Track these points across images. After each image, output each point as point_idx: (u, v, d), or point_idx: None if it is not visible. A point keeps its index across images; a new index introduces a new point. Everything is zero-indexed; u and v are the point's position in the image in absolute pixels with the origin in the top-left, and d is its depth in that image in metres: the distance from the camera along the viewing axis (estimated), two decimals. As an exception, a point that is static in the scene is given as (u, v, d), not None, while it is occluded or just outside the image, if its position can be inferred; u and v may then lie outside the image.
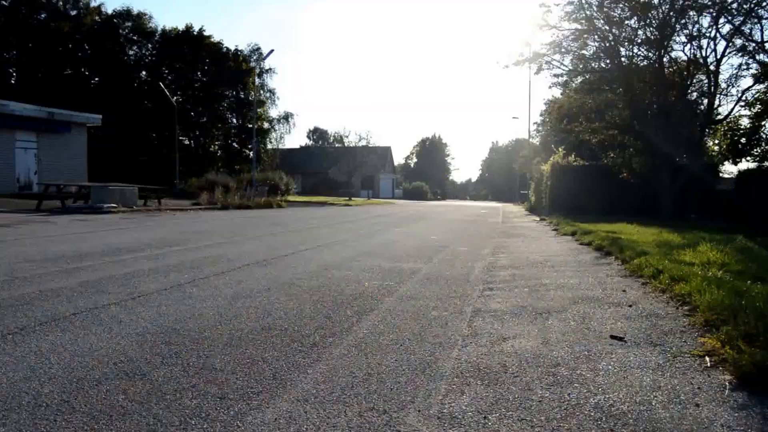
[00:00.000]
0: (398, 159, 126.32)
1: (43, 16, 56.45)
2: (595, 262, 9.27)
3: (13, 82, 54.24)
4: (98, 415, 3.03)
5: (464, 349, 4.30)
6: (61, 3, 58.28)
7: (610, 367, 3.88)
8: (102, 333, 4.44)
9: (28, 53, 54.38)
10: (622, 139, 23.71)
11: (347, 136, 71.56)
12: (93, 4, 60.50)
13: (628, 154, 23.84)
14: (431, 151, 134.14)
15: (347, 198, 58.85)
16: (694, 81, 22.67)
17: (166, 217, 20.19)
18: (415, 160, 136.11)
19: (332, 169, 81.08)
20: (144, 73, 62.10)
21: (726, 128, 27.20)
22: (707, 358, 4.00)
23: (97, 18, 59.88)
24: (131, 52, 62.08)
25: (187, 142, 63.27)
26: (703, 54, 22.47)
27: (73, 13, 59.09)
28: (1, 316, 4.85)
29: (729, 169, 29.32)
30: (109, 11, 61.89)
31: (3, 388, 3.31)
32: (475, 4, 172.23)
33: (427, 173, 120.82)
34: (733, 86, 36.27)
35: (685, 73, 22.04)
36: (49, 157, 32.52)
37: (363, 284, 6.95)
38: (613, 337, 4.58)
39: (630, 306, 5.70)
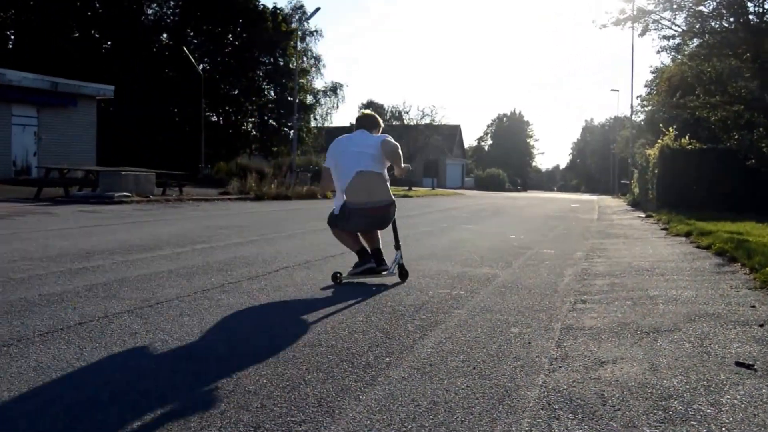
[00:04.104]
0: (469, 140, 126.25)
1: (46, -32, 57.61)
2: (716, 269, 9.09)
3: (10, 46, 55.34)
4: (108, 445, 3.06)
5: (552, 374, 4.24)
6: (67, -48, 59.41)
7: (736, 401, 3.78)
8: (113, 347, 4.50)
9: (29, 12, 55.36)
10: (749, 116, 23.23)
11: (407, 112, 71.67)
12: (104, -48, 61.57)
13: (756, 135, 23.32)
14: (510, 131, 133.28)
15: (406, 187, 58.85)
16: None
17: (188, 208, 20.48)
18: (489, 141, 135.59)
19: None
20: (165, 36, 62.73)
21: None
22: None
23: (109, -31, 60.90)
24: (150, 11, 62.80)
25: (215, 118, 63.90)
26: None
27: (82, -37, 60.19)
28: (-6, 325, 4.96)
29: None
30: (124, -39, 62.94)
31: (-4, 411, 3.36)
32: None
33: (504, 158, 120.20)
34: None
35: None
36: (51, 136, 33.12)
37: (426, 293, 6.93)
38: (739, 364, 4.48)
39: (761, 326, 5.57)
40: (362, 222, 7.69)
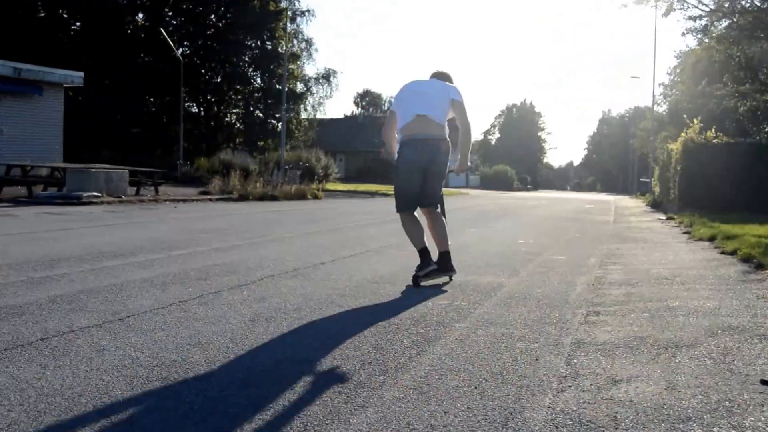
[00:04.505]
0: (474, 134, 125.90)
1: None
2: (742, 278, 9.11)
3: (-33, 28, 55.22)
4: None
5: (561, 394, 4.26)
6: None
7: (760, 423, 3.80)
8: (79, 365, 4.50)
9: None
10: (784, 106, 23.21)
11: (408, 102, 71.22)
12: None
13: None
14: (519, 123, 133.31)
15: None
16: None
17: (165, 210, 20.48)
18: (497, 135, 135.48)
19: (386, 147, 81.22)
20: (141, 16, 62.55)
21: None
22: None
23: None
24: (124, -12, 62.74)
25: (195, 109, 63.88)
26: None
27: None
28: (-51, 340, 4.96)
29: None
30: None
31: (-49, 436, 3.37)
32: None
33: (512, 153, 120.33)
34: None
35: None
36: (12, 129, 32.84)
37: (425, 304, 6.95)
38: (765, 382, 4.50)
39: (790, 340, 5.59)
40: (415, 168, 8.19)
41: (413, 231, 8.34)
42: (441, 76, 8.72)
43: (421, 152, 8.12)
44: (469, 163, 8.72)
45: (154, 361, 4.63)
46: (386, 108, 78.36)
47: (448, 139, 8.27)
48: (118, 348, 4.91)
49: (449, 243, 8.41)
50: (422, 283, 8.01)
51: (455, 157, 8.58)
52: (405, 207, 8.35)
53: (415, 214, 8.40)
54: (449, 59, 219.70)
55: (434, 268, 8.19)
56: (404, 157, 8.25)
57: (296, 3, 68.95)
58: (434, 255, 8.29)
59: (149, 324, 5.63)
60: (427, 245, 8.24)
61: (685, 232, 16.85)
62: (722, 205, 23.49)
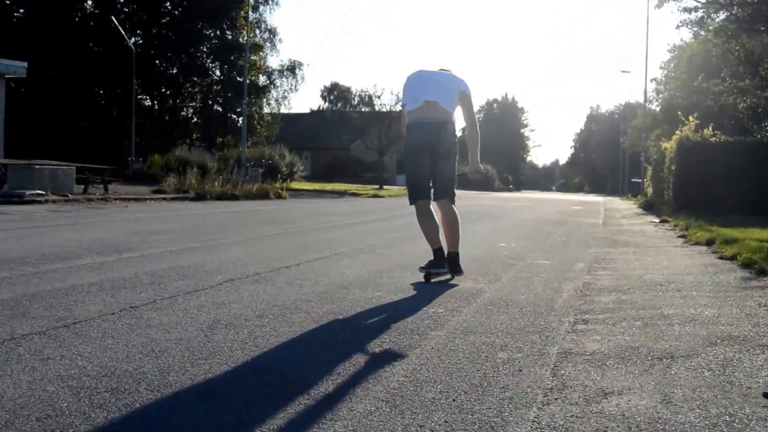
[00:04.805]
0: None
1: None
2: (743, 284, 9.16)
3: None
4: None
5: (547, 407, 4.25)
6: None
7: (763, 439, 3.81)
8: (21, 375, 4.45)
9: None
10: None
11: (379, 96, 70.97)
12: None
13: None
14: (500, 120, 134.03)
15: (377, 186, 58.92)
16: None
17: (115, 209, 20.38)
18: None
19: (356, 144, 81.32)
20: (90, 2, 62.35)
21: None
22: None
23: None
24: (72, -28, 62.48)
25: (148, 102, 63.73)
26: None
27: None
28: None
29: None
30: None
31: None
32: None
33: (493, 152, 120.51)
34: None
35: None
36: (-52, 123, 32.74)
37: (399, 311, 6.93)
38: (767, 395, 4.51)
39: (794, 350, 5.62)
40: (423, 148, 8.92)
41: (429, 229, 9.04)
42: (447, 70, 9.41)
43: (426, 132, 8.80)
44: (481, 167, 9.77)
45: (103, 371, 4.58)
46: (356, 103, 78.19)
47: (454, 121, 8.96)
48: (63, 357, 4.85)
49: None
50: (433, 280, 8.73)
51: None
52: (417, 196, 9.05)
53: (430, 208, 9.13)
54: (428, 51, 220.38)
55: (445, 270, 8.95)
56: (411, 139, 8.94)
57: (259, -10, 68.93)
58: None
59: (98, 331, 5.58)
60: (443, 245, 8.95)
61: (680, 236, 16.94)
62: (720, 208, 23.63)
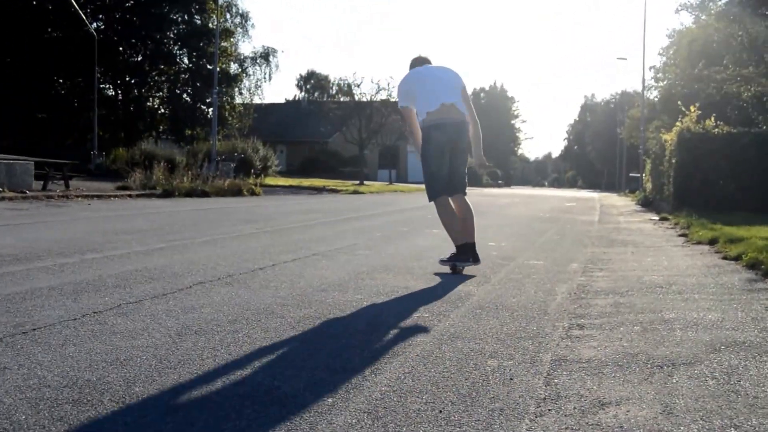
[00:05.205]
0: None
1: None
2: (748, 287, 9.19)
3: None
4: None
5: (540, 419, 4.25)
6: None
7: (770, 452, 3.82)
8: (-26, 386, 4.43)
9: None
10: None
11: (359, 85, 70.90)
12: None
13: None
14: (488, 110, 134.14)
15: (357, 182, 58.91)
16: None
17: (77, 207, 20.31)
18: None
19: (335, 137, 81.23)
20: (47, -16, 62.19)
21: None
22: None
23: None
24: (28, -47, 62.22)
25: (112, 92, 63.53)
26: None
27: None
28: None
29: None
30: None
31: None
32: None
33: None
34: None
35: None
36: None
37: (381, 316, 6.93)
38: (775, 404, 4.52)
39: (803, 356, 5.63)
40: (445, 149, 9.75)
41: (452, 223, 9.97)
42: (425, 61, 10.33)
43: (449, 133, 9.64)
44: (487, 162, 10.88)
45: (64, 381, 4.56)
46: (334, 92, 77.93)
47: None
48: (21, 366, 4.83)
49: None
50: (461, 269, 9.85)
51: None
52: (438, 192, 9.87)
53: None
54: (408, 35, 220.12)
55: (470, 263, 9.92)
56: (434, 141, 9.72)
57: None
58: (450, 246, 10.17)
59: (58, 338, 5.55)
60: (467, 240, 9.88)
61: (681, 235, 16.97)
62: (723, 204, 23.67)
